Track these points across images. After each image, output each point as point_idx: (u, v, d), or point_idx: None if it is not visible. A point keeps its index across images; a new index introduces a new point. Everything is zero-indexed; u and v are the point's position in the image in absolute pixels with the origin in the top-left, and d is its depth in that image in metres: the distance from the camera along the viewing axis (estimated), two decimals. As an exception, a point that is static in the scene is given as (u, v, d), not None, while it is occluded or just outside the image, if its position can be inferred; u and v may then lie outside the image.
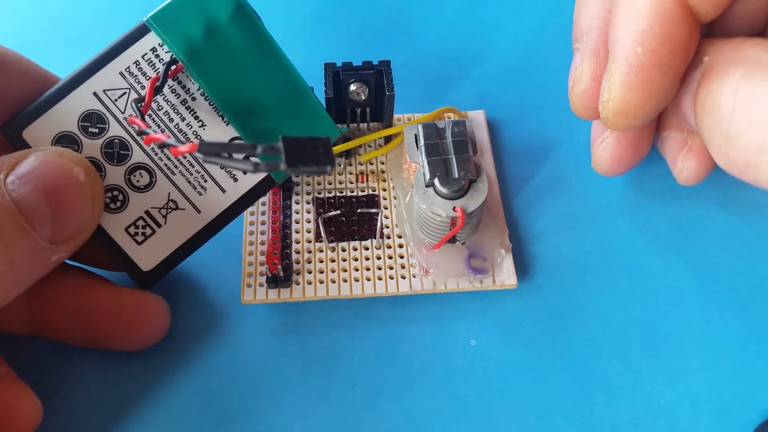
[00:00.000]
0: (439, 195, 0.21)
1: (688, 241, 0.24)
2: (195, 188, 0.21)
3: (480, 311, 0.23)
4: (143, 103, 0.19)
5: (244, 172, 0.21)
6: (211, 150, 0.16)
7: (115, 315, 0.21)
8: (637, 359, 0.22)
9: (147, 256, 0.21)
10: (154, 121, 0.20)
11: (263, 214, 0.24)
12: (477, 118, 0.27)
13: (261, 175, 0.21)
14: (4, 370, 0.20)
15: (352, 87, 0.24)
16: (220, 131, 0.20)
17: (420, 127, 0.22)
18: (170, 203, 0.21)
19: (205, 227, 0.21)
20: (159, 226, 0.21)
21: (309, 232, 0.24)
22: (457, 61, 0.29)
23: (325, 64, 0.23)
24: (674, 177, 0.23)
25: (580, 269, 0.24)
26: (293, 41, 0.30)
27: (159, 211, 0.21)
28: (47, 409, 0.20)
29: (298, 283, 0.22)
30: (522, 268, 0.24)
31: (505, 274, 0.23)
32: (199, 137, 0.20)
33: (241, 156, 0.16)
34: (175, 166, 0.21)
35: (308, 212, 0.24)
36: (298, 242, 0.23)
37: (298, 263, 0.23)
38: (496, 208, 0.24)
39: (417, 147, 0.22)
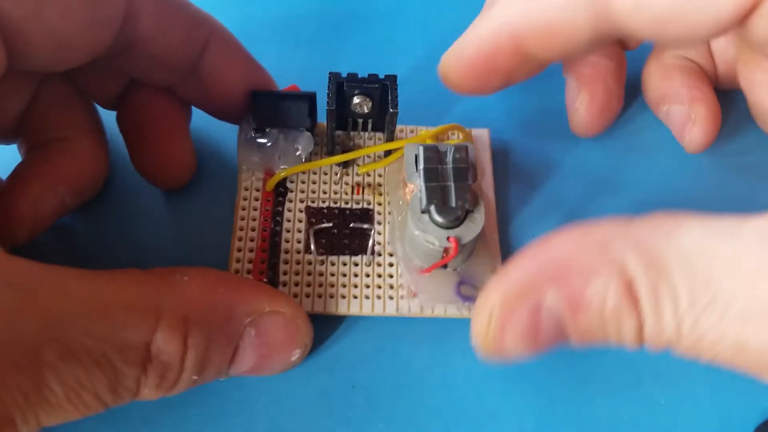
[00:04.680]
0: (434, 223, 0.21)
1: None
2: None
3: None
4: None
5: None
6: None
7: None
8: (637, 359, 0.22)
9: None
10: None
11: (254, 219, 0.23)
12: (481, 137, 0.26)
13: None
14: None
15: (356, 99, 0.23)
16: None
17: (421, 149, 0.21)
18: None
19: None
20: None
21: (299, 242, 0.23)
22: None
23: (330, 73, 0.22)
24: (683, 147, 0.25)
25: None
26: (299, 44, 0.29)
27: None
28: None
29: (283, 296, 0.22)
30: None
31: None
32: None
33: None
34: None
35: (300, 221, 0.24)
36: (287, 252, 0.23)
37: (285, 273, 0.23)
38: (491, 233, 0.24)
39: (416, 169, 0.21)
